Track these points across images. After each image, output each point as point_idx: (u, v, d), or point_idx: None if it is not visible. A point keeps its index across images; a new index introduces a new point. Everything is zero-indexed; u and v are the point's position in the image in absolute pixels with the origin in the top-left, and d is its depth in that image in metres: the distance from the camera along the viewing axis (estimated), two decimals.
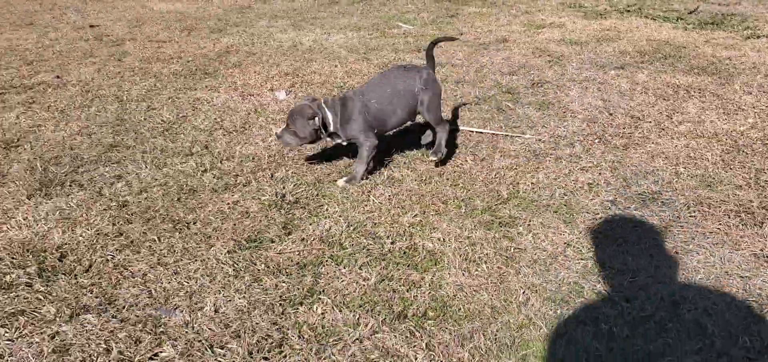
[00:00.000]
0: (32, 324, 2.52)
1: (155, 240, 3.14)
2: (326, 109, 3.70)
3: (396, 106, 3.75)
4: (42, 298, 2.69)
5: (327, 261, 2.99)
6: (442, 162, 3.99)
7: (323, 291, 2.77)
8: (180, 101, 5.29)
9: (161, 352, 2.37)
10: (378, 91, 3.74)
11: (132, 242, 3.13)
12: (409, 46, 7.19)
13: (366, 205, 3.52)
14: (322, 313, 2.62)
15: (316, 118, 3.63)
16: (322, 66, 6.31)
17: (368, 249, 3.09)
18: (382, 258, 3.01)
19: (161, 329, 2.50)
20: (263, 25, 8.52)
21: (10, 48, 7.43)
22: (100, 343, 2.40)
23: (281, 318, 2.58)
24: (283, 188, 3.67)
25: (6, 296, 2.70)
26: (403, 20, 8.81)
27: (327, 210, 3.47)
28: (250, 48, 7.17)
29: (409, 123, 3.99)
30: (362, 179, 3.76)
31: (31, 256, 3.00)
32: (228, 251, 3.05)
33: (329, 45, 7.32)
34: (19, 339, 2.43)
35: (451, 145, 4.23)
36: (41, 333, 2.46)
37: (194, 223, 3.32)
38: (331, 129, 3.72)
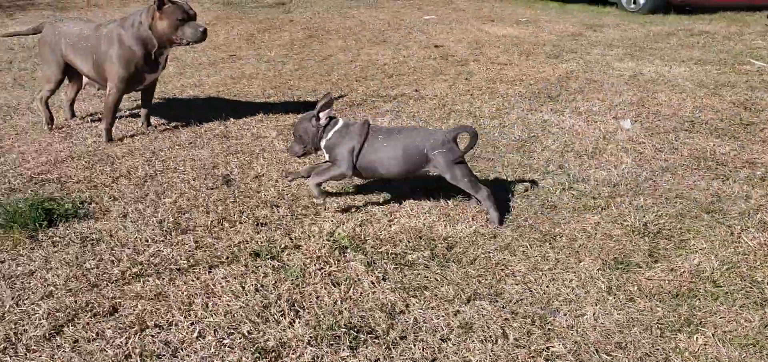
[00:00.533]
0: (436, 299, 2.97)
1: (527, 247, 3.44)
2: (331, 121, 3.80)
3: (392, 157, 3.67)
4: (439, 279, 3.14)
5: (701, 295, 2.99)
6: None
7: (701, 323, 2.78)
8: (528, 121, 5.63)
9: (552, 347, 2.62)
10: (384, 138, 3.72)
11: (507, 245, 3.47)
12: (766, 84, 6.63)
13: (737, 246, 3.41)
14: (704, 344, 2.63)
15: (321, 119, 3.74)
16: (669, 98, 6.17)
17: (746, 292, 3.00)
18: (764, 303, 2.91)
19: (548, 327, 2.76)
20: (598, 53, 8.57)
21: (370, 62, 8.57)
22: (497, 328, 2.74)
23: (660, 340, 2.67)
24: (644, 217, 3.73)
25: (411, 272, 3.21)
26: (754, 56, 8.13)
27: (693, 244, 3.45)
28: (589, 75, 7.28)
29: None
30: (317, 188, 3.75)
31: (423, 242, 3.50)
32: (598, 268, 3.21)
33: (673, 77, 7.10)
34: (429, 310, 2.89)
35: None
36: (446, 310, 2.88)
37: (560, 237, 3.55)
38: (324, 143, 3.79)
